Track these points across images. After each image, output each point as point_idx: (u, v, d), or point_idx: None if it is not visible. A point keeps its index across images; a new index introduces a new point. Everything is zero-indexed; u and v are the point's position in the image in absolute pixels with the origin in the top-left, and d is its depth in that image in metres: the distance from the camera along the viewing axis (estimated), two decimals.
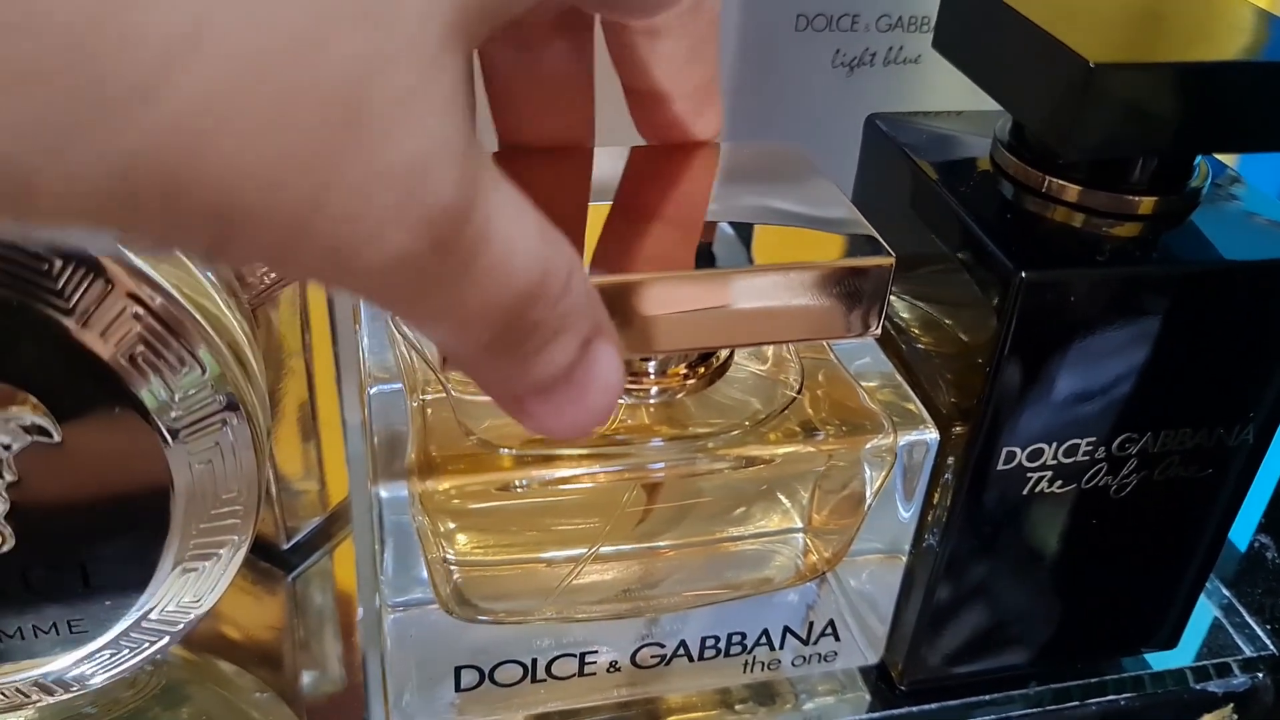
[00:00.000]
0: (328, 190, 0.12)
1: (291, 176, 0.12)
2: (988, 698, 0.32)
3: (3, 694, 0.26)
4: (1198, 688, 0.34)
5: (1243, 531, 0.37)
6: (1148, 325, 0.25)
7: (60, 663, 0.26)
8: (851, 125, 0.32)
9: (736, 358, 0.28)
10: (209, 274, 0.24)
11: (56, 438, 0.23)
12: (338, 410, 0.34)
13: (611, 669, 0.29)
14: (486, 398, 0.18)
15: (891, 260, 0.23)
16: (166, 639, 0.26)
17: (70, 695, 0.27)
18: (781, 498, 0.30)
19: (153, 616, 0.26)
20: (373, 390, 0.26)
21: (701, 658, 0.30)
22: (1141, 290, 0.25)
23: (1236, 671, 0.34)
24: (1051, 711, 0.32)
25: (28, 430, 0.22)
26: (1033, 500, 0.28)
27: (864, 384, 0.28)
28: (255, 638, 0.33)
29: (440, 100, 0.13)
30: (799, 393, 0.28)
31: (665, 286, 0.22)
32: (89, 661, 0.26)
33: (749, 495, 0.29)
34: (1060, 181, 0.26)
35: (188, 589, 0.26)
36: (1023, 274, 0.24)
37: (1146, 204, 0.26)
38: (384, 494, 0.24)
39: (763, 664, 0.30)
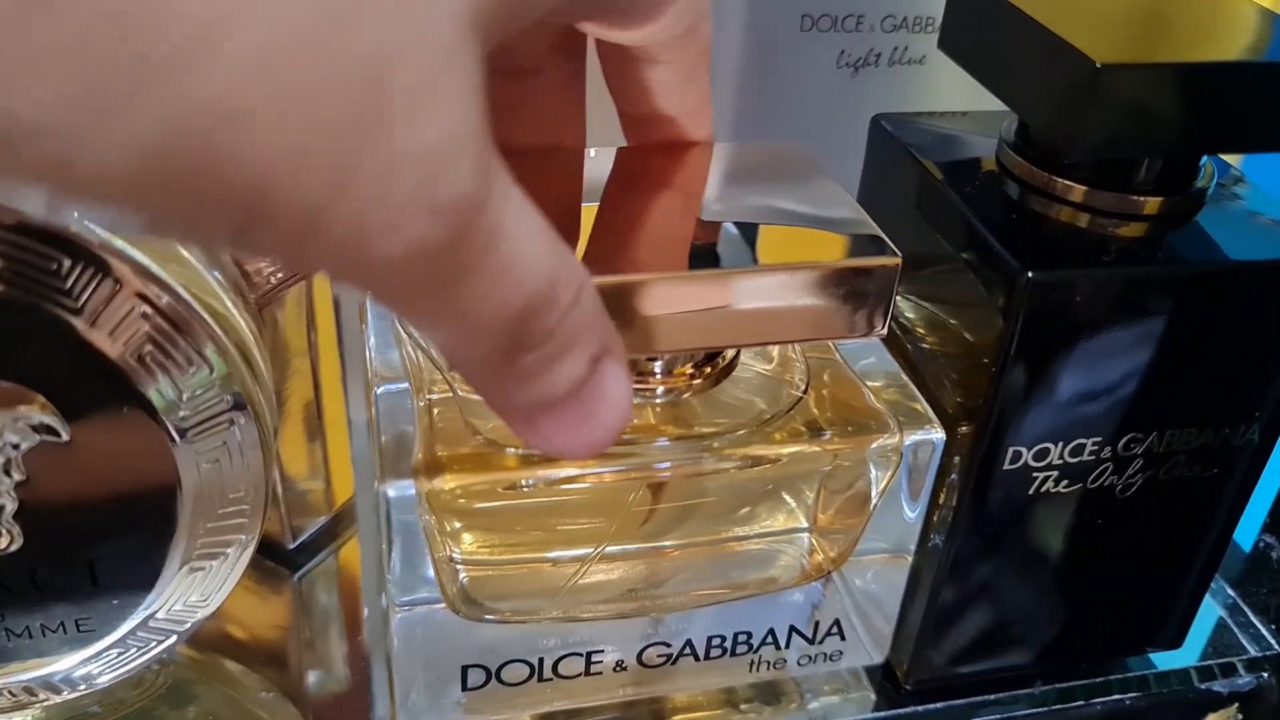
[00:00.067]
0: (351, 172, 0.12)
1: (319, 154, 0.12)
2: (993, 697, 0.32)
3: (10, 693, 0.26)
4: (1202, 687, 0.34)
5: (1247, 531, 0.37)
6: (1153, 325, 0.25)
7: (67, 662, 0.26)
8: (856, 126, 0.32)
9: (742, 358, 0.28)
10: (216, 274, 0.24)
11: (65, 437, 0.23)
12: (343, 410, 0.34)
13: (618, 668, 0.29)
14: None
15: (898, 260, 0.23)
16: (174, 638, 0.26)
17: (77, 694, 0.27)
18: (787, 497, 0.30)
19: (160, 615, 0.26)
20: (379, 390, 0.27)
21: (708, 657, 0.30)
22: (1147, 290, 0.25)
23: (1241, 671, 0.34)
24: (1056, 711, 0.32)
25: (36, 429, 0.22)
26: (1038, 500, 0.28)
27: (869, 384, 0.28)
28: (261, 637, 0.33)
29: (458, 91, 0.13)
30: (805, 392, 0.28)
31: (674, 286, 0.22)
32: (96, 660, 0.26)
33: (754, 495, 0.29)
34: (1066, 181, 0.26)
35: (195, 588, 0.26)
36: (1029, 274, 0.24)
37: (1152, 204, 0.26)
38: (391, 493, 0.24)
39: (768, 663, 0.30)
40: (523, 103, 0.24)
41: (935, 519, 0.28)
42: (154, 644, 0.26)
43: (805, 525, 0.30)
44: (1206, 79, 0.23)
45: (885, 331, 0.24)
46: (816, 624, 0.30)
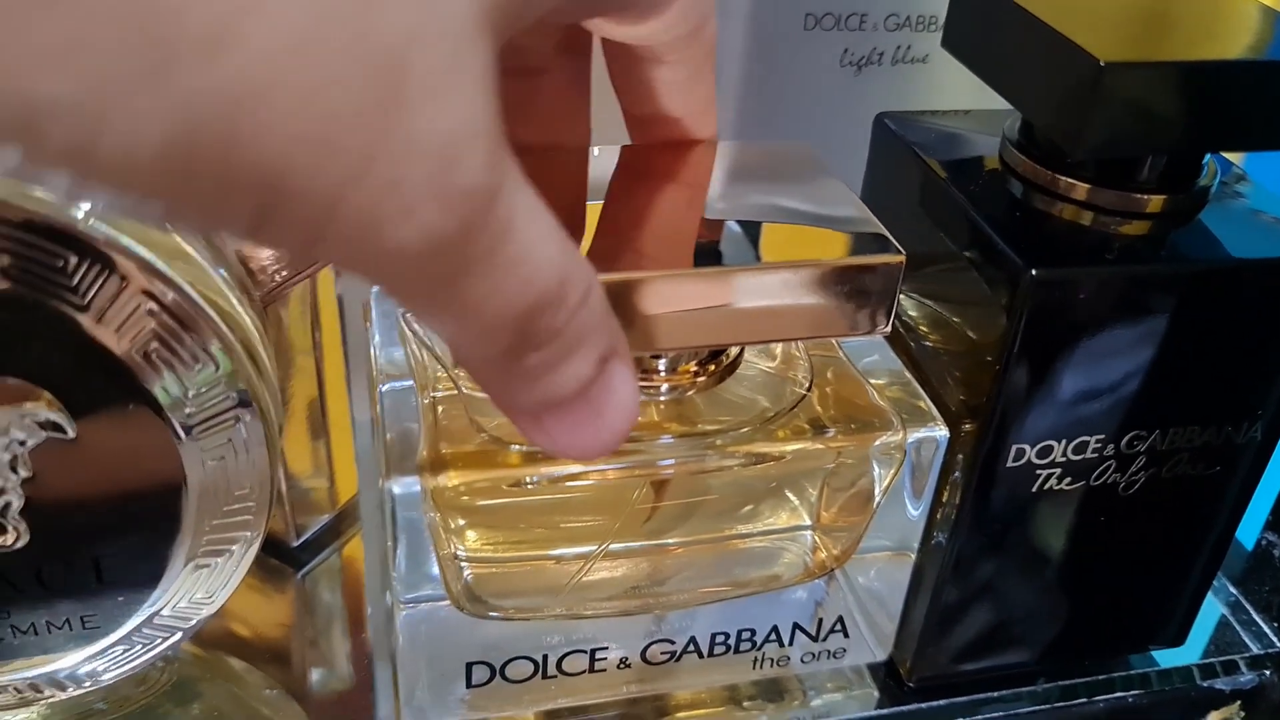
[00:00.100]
0: (368, 159, 0.12)
1: (339, 141, 0.12)
2: (995, 694, 0.32)
3: (15, 689, 0.26)
4: (1205, 685, 0.34)
5: (1250, 529, 0.37)
6: (1156, 323, 0.25)
7: (72, 658, 0.26)
8: (859, 124, 0.32)
9: (746, 355, 0.28)
10: (221, 271, 0.24)
11: (71, 434, 0.23)
12: (347, 408, 0.35)
13: (622, 665, 0.29)
14: None
15: (902, 258, 0.23)
16: (179, 635, 0.26)
17: (82, 691, 0.27)
18: (790, 495, 0.30)
19: (165, 613, 0.26)
20: (384, 387, 0.27)
21: (712, 654, 0.30)
22: (1150, 288, 0.25)
23: (1243, 669, 0.34)
24: (1059, 708, 0.32)
25: (43, 426, 0.22)
26: (1041, 497, 0.28)
27: (873, 381, 0.28)
28: (264, 635, 0.33)
29: (473, 81, 0.13)
30: (808, 390, 0.28)
31: (679, 284, 0.22)
32: (101, 657, 0.26)
33: (758, 492, 0.29)
34: (1069, 180, 0.26)
35: (200, 585, 0.26)
36: (1032, 271, 0.24)
37: (1155, 202, 0.26)
38: (397, 490, 0.24)
39: (772, 660, 0.30)
40: (529, 102, 0.24)
41: (938, 517, 0.29)
42: (159, 641, 0.26)
43: (808, 523, 0.30)
44: (1210, 77, 0.24)
45: (889, 329, 0.24)
46: (820, 621, 0.30)
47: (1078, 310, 0.25)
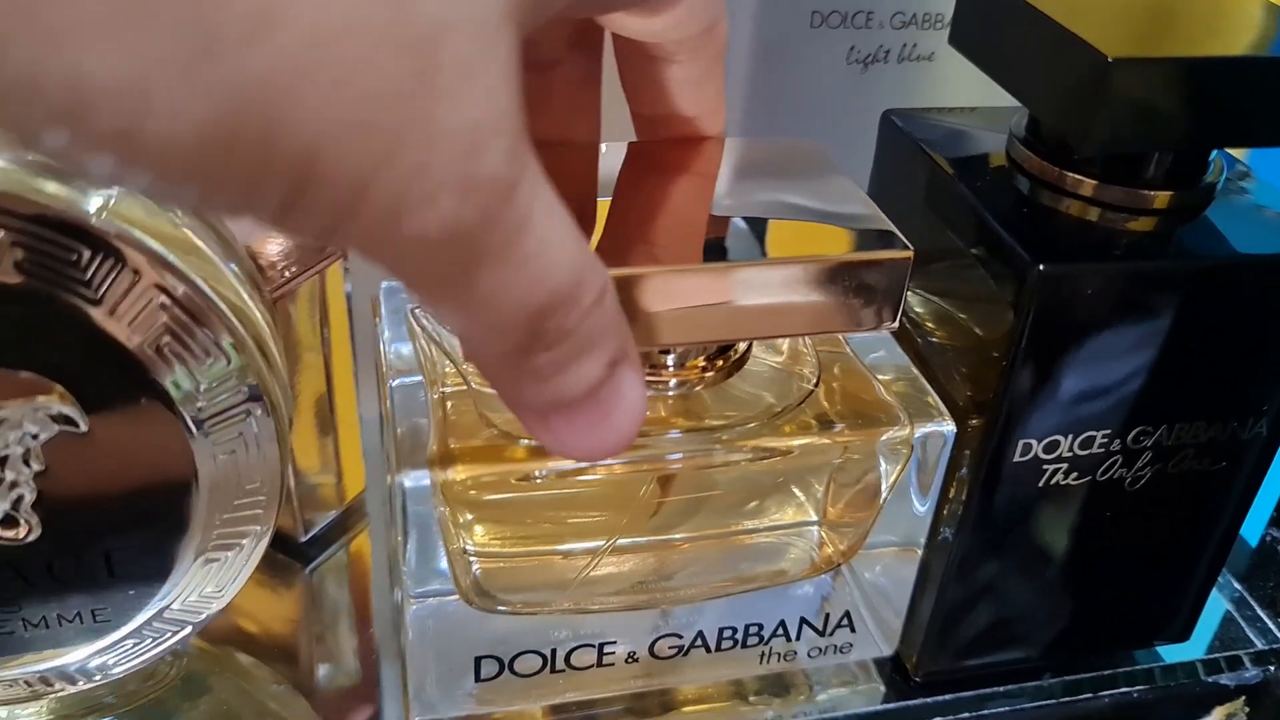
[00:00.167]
0: (398, 142, 0.12)
1: (372, 125, 0.12)
2: (1001, 689, 0.32)
3: (25, 682, 0.26)
4: (1209, 680, 0.34)
5: (1254, 525, 0.37)
6: (1163, 318, 0.25)
7: (82, 652, 0.26)
8: (865, 122, 0.32)
9: (754, 351, 0.28)
10: (233, 266, 0.24)
11: (83, 427, 0.23)
12: (354, 404, 0.35)
13: (629, 660, 0.29)
14: None
15: (910, 254, 0.23)
16: (188, 629, 0.26)
17: (92, 685, 0.27)
18: (796, 491, 0.30)
19: (175, 606, 0.26)
20: (394, 383, 0.27)
21: (719, 649, 0.30)
22: (1157, 284, 0.25)
23: (1248, 664, 0.34)
24: (1064, 703, 0.32)
25: (55, 420, 0.22)
26: (1048, 493, 0.28)
27: (880, 377, 0.28)
28: (272, 630, 0.33)
29: (499, 72, 0.13)
30: (815, 385, 0.28)
31: (688, 279, 0.22)
32: (111, 651, 0.26)
33: (764, 488, 0.29)
34: (1076, 176, 0.26)
35: (210, 579, 0.26)
36: (1039, 267, 0.24)
37: (1162, 198, 0.26)
38: (407, 484, 0.24)
39: (779, 655, 0.30)
40: (541, 96, 0.24)
41: (945, 512, 0.29)
42: (168, 635, 0.26)
43: (815, 518, 0.30)
44: (1218, 73, 0.24)
45: (896, 325, 0.24)
46: (826, 616, 0.30)
47: (1084, 306, 0.25)
